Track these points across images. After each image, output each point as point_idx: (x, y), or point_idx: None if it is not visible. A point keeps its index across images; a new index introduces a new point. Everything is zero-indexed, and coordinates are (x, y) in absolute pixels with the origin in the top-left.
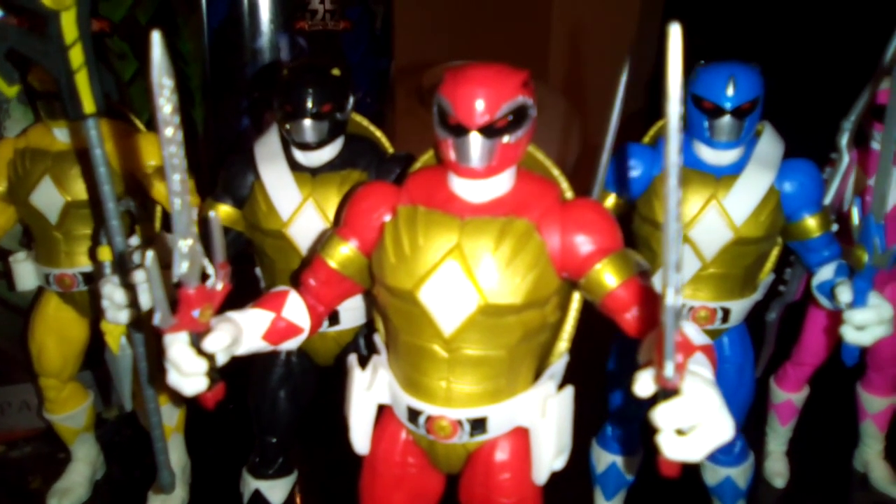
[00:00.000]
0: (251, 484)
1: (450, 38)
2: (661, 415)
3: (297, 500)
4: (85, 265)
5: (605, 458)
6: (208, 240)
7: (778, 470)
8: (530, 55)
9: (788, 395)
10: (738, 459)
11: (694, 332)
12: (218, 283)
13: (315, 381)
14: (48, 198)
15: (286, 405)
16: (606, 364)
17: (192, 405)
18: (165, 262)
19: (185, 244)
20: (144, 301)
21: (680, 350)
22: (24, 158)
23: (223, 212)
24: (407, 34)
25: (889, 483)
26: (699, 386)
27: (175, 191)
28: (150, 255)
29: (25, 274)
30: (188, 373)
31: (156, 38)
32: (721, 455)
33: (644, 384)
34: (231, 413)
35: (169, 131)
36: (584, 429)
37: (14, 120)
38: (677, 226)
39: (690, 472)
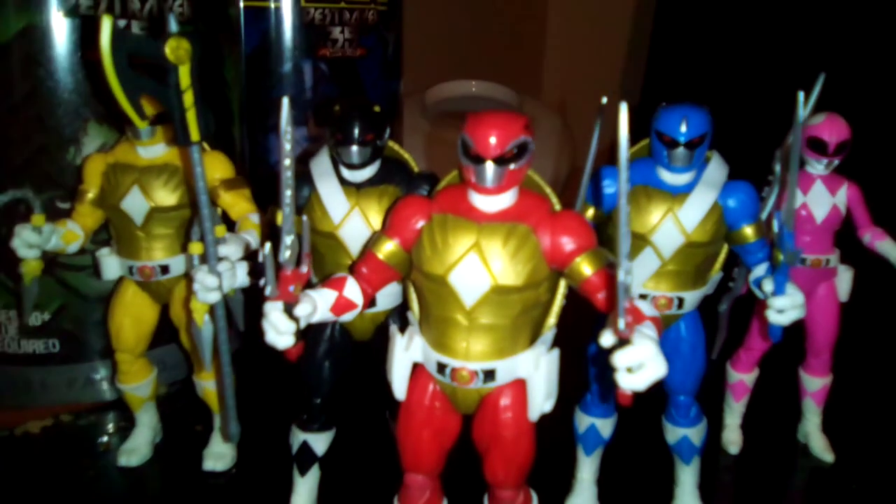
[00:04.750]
0: (299, 436)
1: (453, 62)
2: (618, 358)
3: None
4: (160, 259)
5: (585, 421)
6: (276, 238)
7: (733, 440)
8: (525, 76)
9: (741, 376)
10: (693, 421)
11: (646, 307)
12: (304, 267)
13: (353, 353)
14: (136, 204)
15: (329, 372)
16: (586, 346)
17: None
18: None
19: (289, 238)
20: (226, 285)
21: (630, 314)
22: (115, 171)
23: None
24: (414, 58)
25: (824, 451)
26: (644, 338)
27: (286, 202)
28: (267, 245)
29: (111, 265)
30: (283, 331)
31: (285, 103)
32: (680, 418)
33: (606, 337)
34: (279, 384)
35: (287, 161)
36: (569, 398)
37: (90, 137)
38: (627, 230)
39: (655, 433)
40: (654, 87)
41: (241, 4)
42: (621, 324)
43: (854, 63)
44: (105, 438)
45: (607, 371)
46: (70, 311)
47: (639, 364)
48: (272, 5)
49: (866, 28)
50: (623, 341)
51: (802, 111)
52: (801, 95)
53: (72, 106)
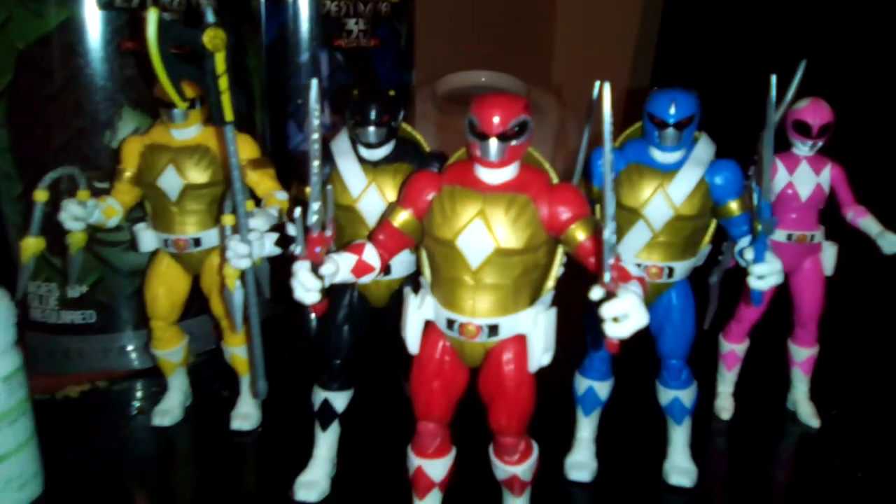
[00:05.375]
0: (321, 395)
1: (463, 52)
2: (605, 309)
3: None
4: (193, 232)
5: (584, 383)
6: (304, 206)
7: (725, 406)
8: (535, 67)
9: (733, 347)
10: (684, 384)
11: (633, 269)
12: (328, 231)
13: (370, 318)
14: (171, 181)
15: (348, 336)
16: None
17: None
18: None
19: (315, 205)
20: (255, 254)
21: (615, 270)
22: (151, 151)
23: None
24: (426, 49)
25: (811, 417)
26: (628, 292)
27: (314, 172)
28: (297, 210)
29: (147, 239)
30: (310, 288)
31: (314, 84)
32: (671, 381)
33: (595, 291)
34: (299, 351)
35: (315, 136)
36: (570, 363)
37: (125, 121)
38: (611, 195)
39: (649, 396)
40: (664, 75)
41: None
42: (607, 277)
43: (847, 51)
44: (138, 403)
45: (597, 322)
46: (105, 284)
47: (623, 314)
48: None
49: (863, 20)
50: (610, 294)
51: (775, 93)
52: (773, 78)
53: (108, 92)
